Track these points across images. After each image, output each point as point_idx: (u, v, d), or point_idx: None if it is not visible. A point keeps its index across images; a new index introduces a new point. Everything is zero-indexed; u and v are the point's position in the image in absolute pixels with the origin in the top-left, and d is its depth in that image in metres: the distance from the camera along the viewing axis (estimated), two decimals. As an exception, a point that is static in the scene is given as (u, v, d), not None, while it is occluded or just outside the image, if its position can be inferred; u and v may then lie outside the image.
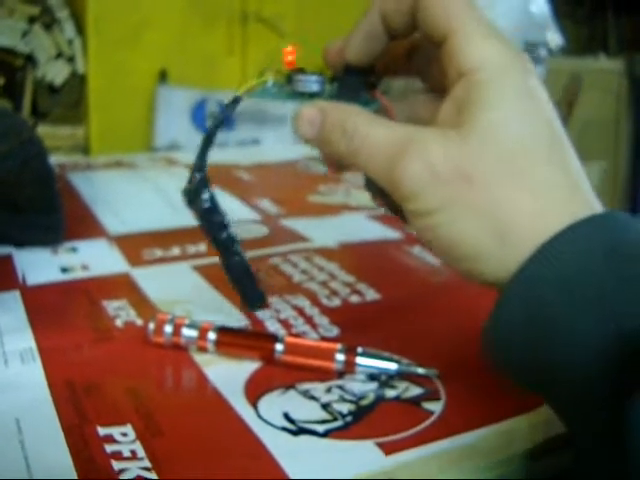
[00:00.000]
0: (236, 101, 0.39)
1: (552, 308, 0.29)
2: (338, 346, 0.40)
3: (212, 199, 0.41)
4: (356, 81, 0.38)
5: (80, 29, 1.88)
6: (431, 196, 0.32)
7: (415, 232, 0.34)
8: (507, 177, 0.31)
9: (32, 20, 1.84)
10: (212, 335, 0.41)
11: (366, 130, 0.34)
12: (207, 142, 0.40)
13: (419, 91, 0.39)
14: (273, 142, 1.70)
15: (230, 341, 0.42)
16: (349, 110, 0.35)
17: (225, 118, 0.40)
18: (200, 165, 0.40)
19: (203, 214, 0.41)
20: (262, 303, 0.44)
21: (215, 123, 0.40)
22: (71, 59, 1.87)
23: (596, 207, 0.32)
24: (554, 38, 2.22)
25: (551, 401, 0.32)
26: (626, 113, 2.15)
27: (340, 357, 0.40)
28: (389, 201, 0.38)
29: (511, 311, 0.31)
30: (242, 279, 0.43)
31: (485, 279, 0.32)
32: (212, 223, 0.41)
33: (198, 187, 0.40)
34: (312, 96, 0.38)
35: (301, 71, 0.38)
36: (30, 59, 1.87)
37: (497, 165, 0.31)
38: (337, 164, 0.40)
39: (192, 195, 0.41)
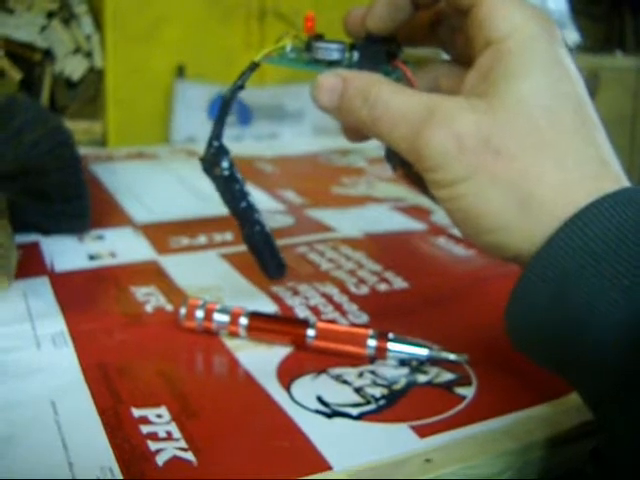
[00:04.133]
0: (254, 67, 0.38)
1: (578, 281, 0.29)
2: (370, 332, 0.40)
3: (231, 167, 0.40)
4: (377, 50, 0.37)
5: (98, 24, 1.89)
6: (456, 166, 0.31)
7: (438, 203, 0.34)
8: (534, 149, 0.31)
9: (50, 15, 1.85)
10: (244, 320, 0.42)
11: (389, 98, 0.33)
12: (224, 109, 0.39)
13: (441, 62, 0.39)
14: (290, 137, 1.70)
15: (262, 326, 0.42)
16: (371, 78, 0.34)
17: (242, 85, 0.38)
18: (218, 133, 0.40)
19: (222, 182, 0.40)
20: (282, 272, 0.43)
21: (232, 89, 0.39)
22: (89, 54, 1.88)
23: (623, 181, 0.31)
24: (571, 36, 2.21)
25: (573, 380, 0.31)
26: (643, 111, 2.14)
27: (372, 343, 0.40)
28: (410, 172, 0.37)
29: (535, 284, 0.30)
30: (262, 248, 0.42)
31: (508, 253, 0.32)
32: (231, 191, 0.41)
33: (216, 155, 0.40)
34: (331, 64, 0.37)
35: (320, 38, 0.37)
36: (48, 54, 1.88)
37: (525, 137, 0.31)
38: (357, 134, 0.39)
39: (210, 163, 0.40)
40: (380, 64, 0.37)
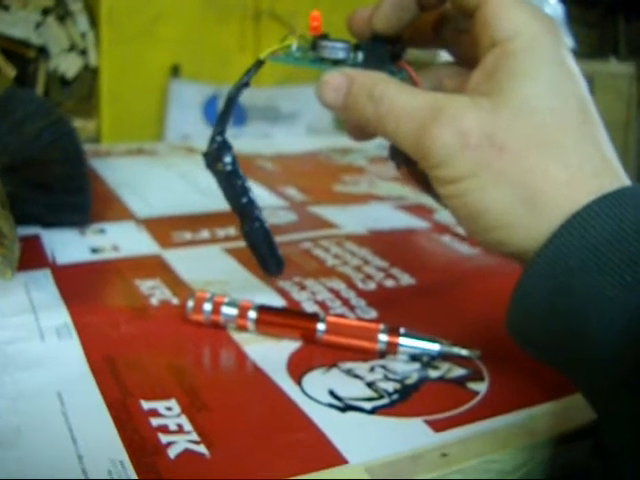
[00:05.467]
0: (259, 64, 0.38)
1: (580, 276, 0.29)
2: (381, 326, 0.40)
3: (234, 163, 0.40)
4: (382, 50, 0.38)
5: (93, 22, 1.88)
6: (461, 163, 0.31)
7: (442, 200, 0.34)
8: (538, 147, 0.31)
9: (46, 12, 1.84)
10: (252, 314, 0.41)
11: (395, 95, 0.34)
12: (229, 106, 0.39)
13: (444, 63, 0.39)
14: (285, 138, 1.70)
15: (271, 320, 0.41)
16: (377, 76, 0.35)
17: (247, 82, 0.39)
18: (221, 128, 0.40)
19: (224, 177, 0.40)
20: (281, 269, 0.44)
21: (237, 86, 0.39)
22: (84, 52, 1.87)
23: (623, 178, 0.32)
24: (566, 41, 2.22)
25: (574, 375, 0.32)
26: (636, 116, 2.15)
27: (383, 337, 0.39)
28: (414, 170, 0.37)
29: (537, 280, 0.30)
30: (262, 245, 0.42)
31: (511, 249, 0.32)
32: (233, 187, 0.41)
33: (219, 150, 0.40)
34: (336, 63, 0.37)
35: (325, 37, 0.38)
36: (43, 51, 1.87)
37: (529, 135, 0.31)
38: (361, 133, 0.40)
39: (213, 158, 0.40)
40: (384, 64, 0.38)
